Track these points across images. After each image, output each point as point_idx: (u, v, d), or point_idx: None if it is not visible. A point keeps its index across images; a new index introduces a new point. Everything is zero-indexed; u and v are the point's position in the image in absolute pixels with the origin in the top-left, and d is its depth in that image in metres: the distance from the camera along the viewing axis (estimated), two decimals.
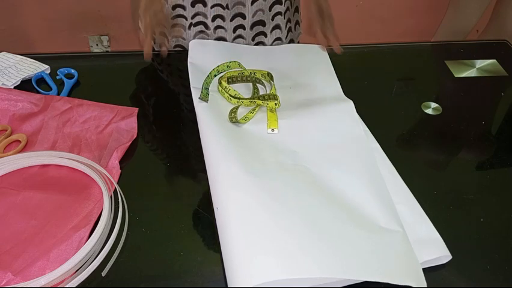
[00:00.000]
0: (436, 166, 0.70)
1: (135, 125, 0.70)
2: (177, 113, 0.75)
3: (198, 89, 0.75)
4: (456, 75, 0.86)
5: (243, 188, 0.57)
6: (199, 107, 0.72)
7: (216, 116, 0.70)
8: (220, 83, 0.76)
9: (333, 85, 0.80)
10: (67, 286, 0.50)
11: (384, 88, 0.83)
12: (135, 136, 0.68)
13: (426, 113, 0.78)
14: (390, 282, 0.49)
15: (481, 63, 0.90)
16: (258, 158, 0.64)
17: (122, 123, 0.70)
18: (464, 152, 0.73)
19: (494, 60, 0.90)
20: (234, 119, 0.70)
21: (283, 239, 0.52)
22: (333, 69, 0.84)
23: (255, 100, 0.73)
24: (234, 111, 0.71)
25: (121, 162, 0.64)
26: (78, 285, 0.51)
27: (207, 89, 0.75)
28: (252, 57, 0.84)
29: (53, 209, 0.58)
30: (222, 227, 0.55)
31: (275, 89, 0.76)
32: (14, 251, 0.53)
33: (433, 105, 0.79)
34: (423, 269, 0.52)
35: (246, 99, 0.74)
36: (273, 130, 0.69)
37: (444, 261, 0.54)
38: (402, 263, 0.53)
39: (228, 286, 0.49)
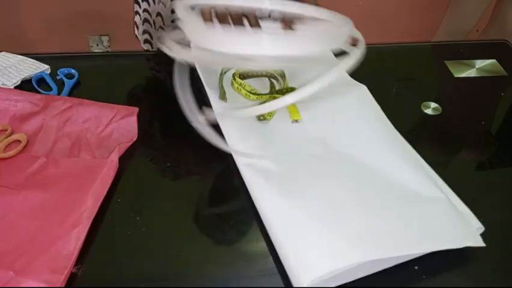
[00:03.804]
0: (436, 166, 0.70)
1: (135, 124, 0.69)
2: (177, 112, 0.75)
3: (211, 88, 0.74)
4: (456, 75, 0.87)
5: (282, 189, 0.58)
6: (219, 107, 0.71)
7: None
8: (234, 79, 0.75)
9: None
10: None
11: (384, 88, 0.83)
12: (135, 136, 0.68)
13: (426, 113, 0.78)
14: (449, 248, 0.51)
15: (480, 63, 0.90)
16: (290, 152, 0.64)
17: (122, 122, 0.70)
18: (464, 152, 0.73)
19: (494, 60, 0.90)
20: (261, 117, 0.69)
21: (335, 228, 0.53)
22: (335, 57, 0.84)
23: (274, 95, 0.73)
24: None
25: (121, 162, 0.64)
26: (77, 285, 0.51)
27: (223, 87, 0.75)
28: None
29: (54, 207, 0.58)
30: (269, 227, 0.55)
31: (287, 82, 0.76)
32: (16, 251, 0.53)
33: (433, 105, 0.79)
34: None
35: (265, 94, 0.74)
36: (296, 121, 0.70)
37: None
38: (454, 227, 0.54)
39: (293, 286, 0.50)
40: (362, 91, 0.75)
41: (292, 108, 0.72)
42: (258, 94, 0.74)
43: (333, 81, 0.76)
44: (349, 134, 0.68)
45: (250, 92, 0.74)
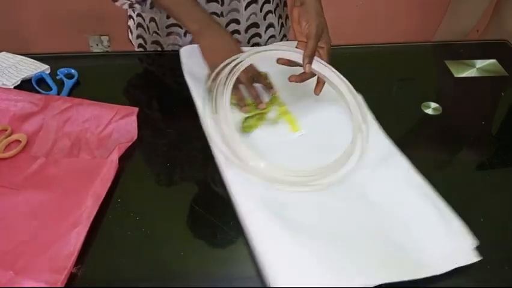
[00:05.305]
0: (436, 166, 0.70)
1: (135, 124, 0.69)
2: (177, 112, 0.75)
3: (200, 98, 0.73)
4: (456, 75, 0.86)
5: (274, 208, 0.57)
6: (208, 121, 0.69)
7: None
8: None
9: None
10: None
11: (384, 88, 0.83)
12: (135, 136, 0.68)
13: (426, 113, 0.77)
14: (445, 271, 0.52)
15: (481, 63, 0.90)
16: (285, 166, 0.63)
17: (122, 122, 0.69)
18: (464, 152, 0.73)
19: (494, 60, 0.90)
20: (245, 129, 0.69)
21: (329, 252, 0.53)
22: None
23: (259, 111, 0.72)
24: (245, 121, 0.71)
25: (121, 162, 0.64)
26: (77, 285, 0.51)
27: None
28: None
29: (54, 207, 0.58)
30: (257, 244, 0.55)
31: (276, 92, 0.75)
32: (16, 251, 0.53)
33: (433, 105, 0.79)
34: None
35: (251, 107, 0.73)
36: (295, 133, 0.70)
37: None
38: (448, 249, 0.55)
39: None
40: (358, 101, 0.73)
41: (291, 119, 0.71)
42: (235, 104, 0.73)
43: (332, 92, 0.75)
44: (338, 144, 0.66)
45: (234, 104, 0.72)
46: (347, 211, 0.59)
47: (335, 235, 0.56)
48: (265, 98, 0.76)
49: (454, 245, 0.55)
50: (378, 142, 0.68)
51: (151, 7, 0.81)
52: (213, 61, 0.70)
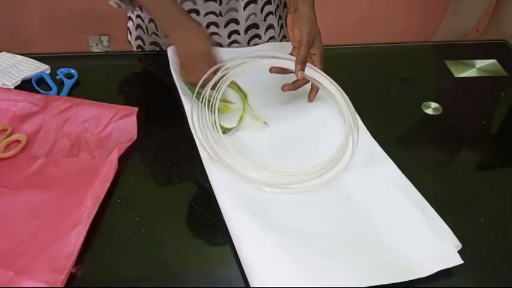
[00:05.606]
0: (436, 166, 0.70)
1: (135, 124, 0.69)
2: (177, 112, 0.75)
3: (186, 97, 0.74)
4: (456, 75, 0.86)
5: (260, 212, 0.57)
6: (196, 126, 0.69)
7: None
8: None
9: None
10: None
11: (384, 88, 0.83)
12: (135, 136, 0.68)
13: (426, 113, 0.77)
14: (428, 274, 0.52)
15: (481, 63, 0.90)
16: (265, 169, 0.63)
17: (121, 122, 0.70)
18: (464, 152, 0.73)
19: (494, 60, 0.90)
20: (226, 130, 0.69)
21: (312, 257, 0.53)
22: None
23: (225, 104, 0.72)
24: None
25: (121, 162, 0.64)
26: (76, 285, 0.51)
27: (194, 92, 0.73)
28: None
29: (54, 207, 0.58)
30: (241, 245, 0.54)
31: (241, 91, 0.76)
32: (16, 251, 0.53)
33: (433, 105, 0.79)
34: None
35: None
36: (265, 123, 0.69)
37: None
38: (432, 251, 0.54)
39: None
40: (350, 106, 0.72)
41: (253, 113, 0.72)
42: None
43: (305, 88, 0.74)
44: (323, 145, 0.67)
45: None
46: (332, 213, 0.59)
47: (320, 237, 0.56)
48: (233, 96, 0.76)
49: (440, 247, 0.55)
50: (366, 144, 0.68)
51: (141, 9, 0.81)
52: (187, 62, 0.72)
